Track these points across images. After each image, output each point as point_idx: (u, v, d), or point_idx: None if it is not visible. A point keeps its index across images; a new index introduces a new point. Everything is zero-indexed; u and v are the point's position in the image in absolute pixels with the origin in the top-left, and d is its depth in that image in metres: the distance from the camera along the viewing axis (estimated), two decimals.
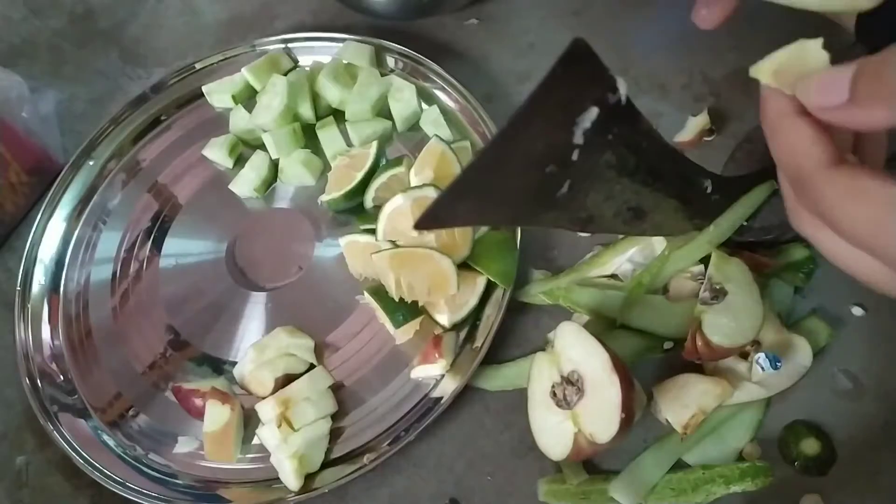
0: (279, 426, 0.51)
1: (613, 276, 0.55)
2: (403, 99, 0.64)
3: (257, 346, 0.56)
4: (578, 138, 0.30)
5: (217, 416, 0.53)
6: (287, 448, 0.50)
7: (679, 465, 0.49)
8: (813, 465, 0.48)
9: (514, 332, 0.56)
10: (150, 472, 0.54)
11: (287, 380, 0.54)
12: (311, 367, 0.55)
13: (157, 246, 0.64)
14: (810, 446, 0.48)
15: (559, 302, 0.55)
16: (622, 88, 0.31)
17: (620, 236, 0.55)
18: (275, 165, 0.65)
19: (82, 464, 0.54)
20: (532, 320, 0.56)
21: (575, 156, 0.31)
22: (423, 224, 0.30)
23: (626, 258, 0.55)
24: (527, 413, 0.48)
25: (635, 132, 0.33)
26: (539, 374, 0.48)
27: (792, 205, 0.32)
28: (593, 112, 0.30)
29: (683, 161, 0.41)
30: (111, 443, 0.56)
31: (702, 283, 0.51)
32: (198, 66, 0.70)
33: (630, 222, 0.42)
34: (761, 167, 0.56)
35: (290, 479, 0.50)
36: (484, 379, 0.54)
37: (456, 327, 0.55)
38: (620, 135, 0.32)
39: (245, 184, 0.64)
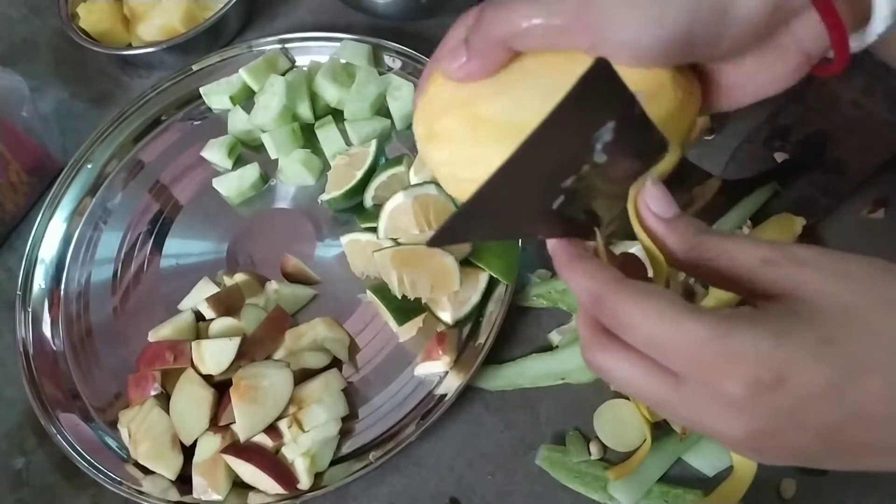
0: (290, 427, 0.51)
1: None
2: (402, 97, 0.64)
3: (293, 332, 0.55)
4: (598, 155, 0.31)
5: (209, 445, 0.52)
6: (297, 447, 0.51)
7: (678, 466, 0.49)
8: None
9: (514, 331, 0.56)
10: (150, 472, 0.54)
11: (304, 375, 0.54)
12: (330, 365, 0.55)
13: (158, 246, 0.64)
14: None
15: (557, 305, 0.55)
16: (641, 101, 0.31)
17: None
18: (262, 181, 0.65)
19: (82, 464, 0.54)
20: (532, 320, 0.56)
21: (588, 169, 0.31)
22: (436, 242, 0.30)
23: None
24: (527, 413, 0.48)
25: (648, 143, 0.33)
26: None
27: (587, 337, 0.32)
28: (611, 127, 0.30)
29: (686, 165, 0.41)
30: (111, 443, 0.56)
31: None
32: (195, 67, 0.70)
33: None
34: (763, 168, 0.57)
35: (302, 477, 0.50)
36: (484, 379, 0.54)
37: (459, 324, 0.55)
38: (634, 145, 0.32)
39: (227, 186, 0.64)
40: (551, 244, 0.33)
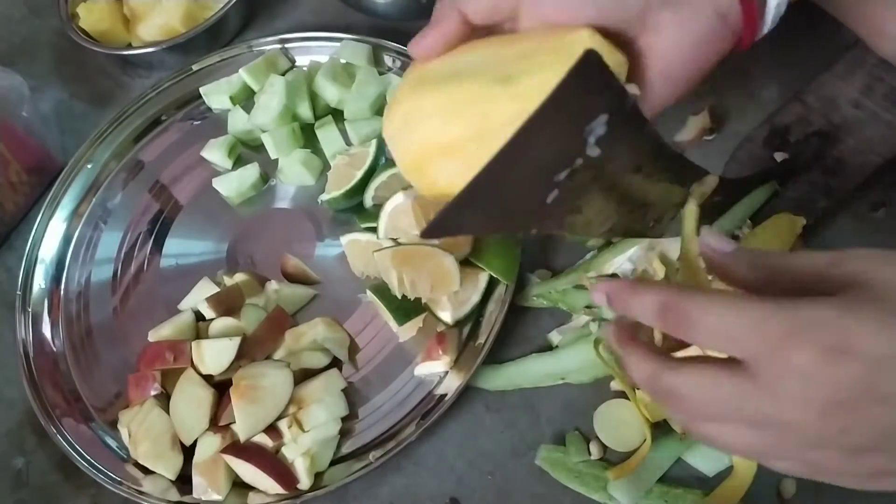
0: (290, 427, 0.51)
1: (614, 275, 0.55)
2: None
3: (293, 332, 0.56)
4: (590, 149, 0.31)
5: (209, 445, 0.52)
6: (297, 447, 0.51)
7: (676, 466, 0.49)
8: None
9: (514, 331, 0.56)
10: (150, 472, 0.54)
11: (304, 375, 0.54)
12: (330, 365, 0.55)
13: (158, 246, 0.64)
14: None
15: (557, 305, 0.55)
16: (633, 91, 0.31)
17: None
18: (262, 181, 0.65)
19: (82, 464, 0.54)
20: (532, 320, 0.56)
21: (581, 163, 0.31)
22: (430, 233, 0.30)
23: (626, 258, 0.55)
24: (527, 413, 0.48)
25: (641, 137, 0.33)
26: None
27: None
28: (603, 120, 0.30)
29: (685, 162, 0.41)
30: (111, 443, 0.56)
31: None
32: (195, 67, 0.70)
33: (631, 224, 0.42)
34: (763, 168, 0.57)
35: (302, 477, 0.50)
36: (484, 379, 0.54)
37: (459, 324, 0.55)
38: (628, 140, 0.32)
39: (228, 186, 0.64)
40: (600, 287, 0.35)
